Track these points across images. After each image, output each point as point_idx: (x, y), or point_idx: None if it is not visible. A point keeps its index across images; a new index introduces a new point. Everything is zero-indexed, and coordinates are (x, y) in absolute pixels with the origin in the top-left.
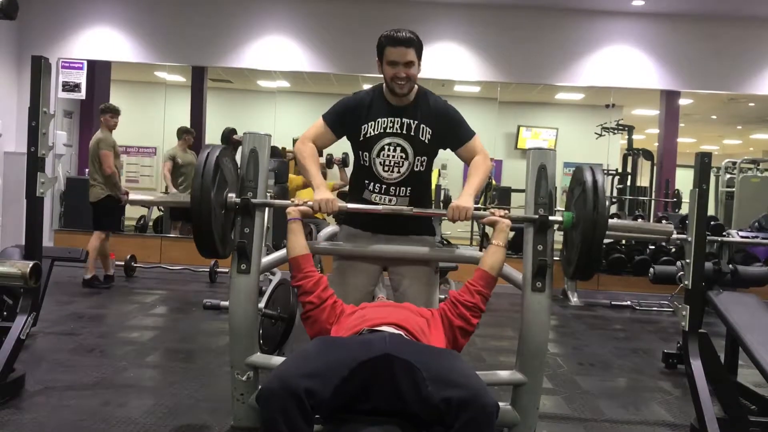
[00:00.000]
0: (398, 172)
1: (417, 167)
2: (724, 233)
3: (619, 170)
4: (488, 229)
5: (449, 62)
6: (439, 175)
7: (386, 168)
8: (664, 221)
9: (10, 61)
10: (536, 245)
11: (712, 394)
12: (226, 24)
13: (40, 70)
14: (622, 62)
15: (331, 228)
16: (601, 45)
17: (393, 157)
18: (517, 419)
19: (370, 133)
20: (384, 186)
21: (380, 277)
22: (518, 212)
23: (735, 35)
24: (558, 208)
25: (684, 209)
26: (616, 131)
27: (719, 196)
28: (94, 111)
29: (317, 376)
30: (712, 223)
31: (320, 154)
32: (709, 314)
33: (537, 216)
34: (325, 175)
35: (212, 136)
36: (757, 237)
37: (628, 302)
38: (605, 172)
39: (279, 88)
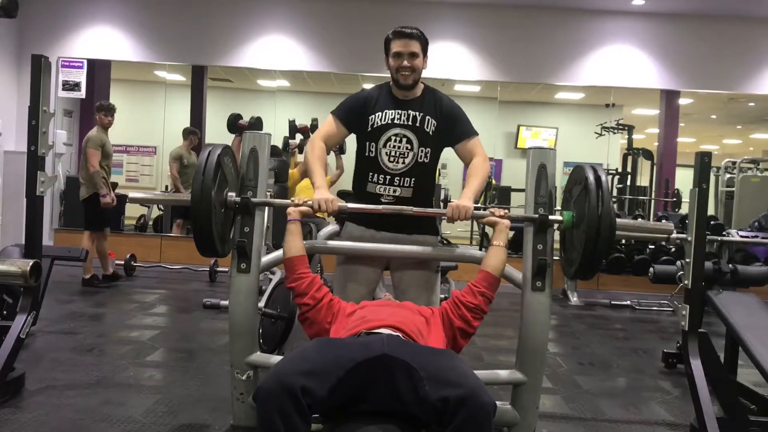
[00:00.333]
0: (403, 162)
1: (421, 158)
2: (723, 233)
3: (619, 170)
4: (488, 229)
5: (449, 61)
6: (439, 174)
7: (391, 158)
8: (663, 221)
9: (10, 59)
10: (536, 245)
11: (712, 393)
12: (226, 23)
13: (40, 68)
14: (622, 62)
15: (331, 227)
16: (601, 44)
17: (399, 147)
18: (517, 419)
19: (378, 123)
20: (389, 176)
21: (382, 276)
22: (518, 212)
23: (735, 35)
24: (557, 207)
25: (684, 209)
26: (616, 131)
27: (719, 196)
28: (94, 110)
29: (314, 375)
30: (711, 222)
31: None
32: (708, 314)
33: (537, 215)
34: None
35: (212, 135)
36: (756, 237)
37: (628, 302)
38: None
39: (279, 87)
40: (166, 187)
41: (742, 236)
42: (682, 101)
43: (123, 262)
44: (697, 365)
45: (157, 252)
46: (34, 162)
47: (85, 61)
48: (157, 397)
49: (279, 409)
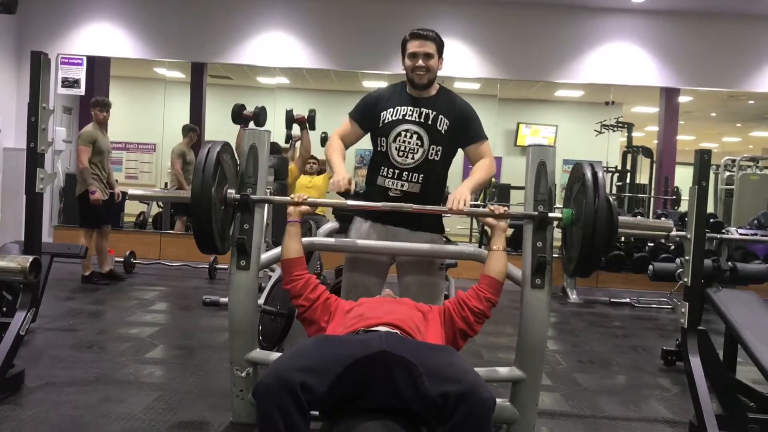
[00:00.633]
0: (412, 158)
1: (431, 155)
2: (723, 230)
3: (619, 167)
4: (488, 227)
5: (449, 59)
6: None
7: (401, 153)
8: (663, 218)
9: (9, 56)
10: (536, 242)
11: (711, 391)
12: (225, 20)
13: (39, 65)
14: (621, 59)
15: (331, 224)
16: (600, 42)
17: (409, 143)
18: (516, 416)
19: (388, 119)
20: (397, 171)
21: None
22: (518, 209)
23: (735, 32)
24: (557, 205)
25: (683, 207)
26: (615, 128)
27: (718, 194)
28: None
29: (313, 371)
30: (711, 220)
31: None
32: (708, 311)
33: (537, 213)
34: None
35: (212, 132)
36: (756, 234)
37: (628, 299)
38: (605, 169)
39: (278, 84)
40: (166, 184)
41: (741, 234)
42: (682, 99)
43: (122, 259)
44: (696, 363)
45: (157, 249)
46: (34, 159)
47: (85, 58)
48: (156, 394)
49: (278, 405)
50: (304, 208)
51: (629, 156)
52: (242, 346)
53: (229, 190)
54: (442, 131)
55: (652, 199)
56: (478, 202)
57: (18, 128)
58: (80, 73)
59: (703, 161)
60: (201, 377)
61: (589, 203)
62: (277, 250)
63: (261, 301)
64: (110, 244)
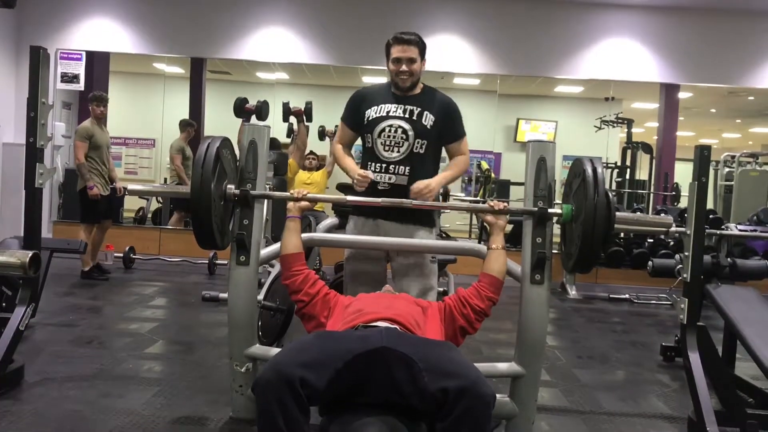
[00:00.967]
0: (398, 151)
1: (417, 149)
2: (722, 227)
3: (618, 163)
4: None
5: (449, 54)
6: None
7: (386, 147)
8: (663, 214)
9: (8, 51)
10: (535, 238)
11: (710, 386)
12: (225, 16)
13: (38, 60)
14: (621, 55)
15: (330, 220)
16: (600, 38)
17: (393, 137)
18: (516, 411)
19: (373, 116)
20: (384, 165)
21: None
22: (517, 205)
23: (735, 28)
24: (557, 200)
25: (683, 203)
26: (615, 124)
27: (718, 190)
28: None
29: (312, 367)
30: (710, 216)
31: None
32: (707, 307)
33: (536, 208)
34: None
35: (211, 127)
36: (755, 230)
37: (627, 295)
38: (605, 165)
39: (278, 80)
40: (165, 179)
41: (740, 230)
42: (682, 95)
43: (122, 255)
44: (695, 358)
45: (156, 244)
46: (33, 154)
47: (84, 53)
48: (156, 389)
49: (278, 400)
50: (303, 203)
51: (629, 152)
52: (242, 341)
53: (228, 186)
54: (428, 126)
55: (651, 195)
56: (478, 198)
57: (17, 123)
58: (79, 68)
59: (702, 157)
60: (200, 372)
61: (589, 199)
62: (276, 246)
63: (260, 296)
64: (110, 239)
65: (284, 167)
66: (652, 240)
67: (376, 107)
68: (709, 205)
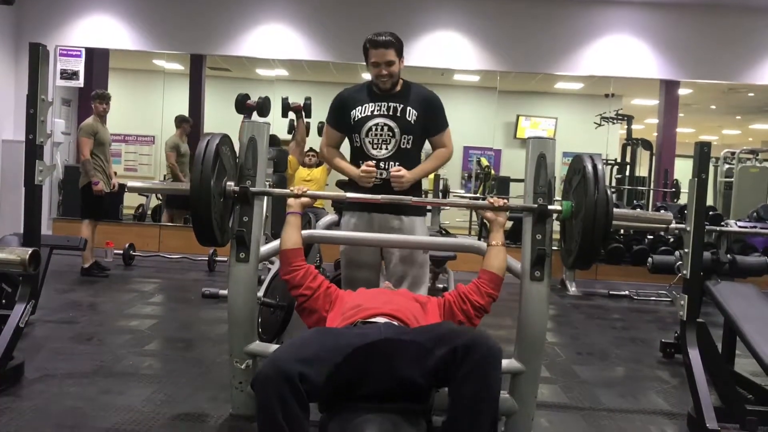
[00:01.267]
0: (386, 148)
1: (404, 145)
2: (722, 223)
3: (618, 160)
4: (487, 222)
5: (449, 51)
6: None
7: (375, 146)
8: (662, 211)
9: (8, 48)
10: (535, 234)
11: (710, 383)
12: (224, 12)
13: (38, 57)
14: (621, 52)
15: (330, 217)
16: (600, 34)
17: (381, 135)
18: (515, 408)
19: (358, 116)
20: (374, 162)
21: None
22: (517, 202)
23: (734, 24)
24: (557, 197)
25: (683, 199)
26: (615, 121)
27: (718, 187)
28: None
29: (312, 362)
30: (710, 213)
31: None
32: (706, 304)
33: (536, 205)
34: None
35: (211, 124)
36: (755, 227)
37: (627, 292)
38: (605, 161)
39: (277, 76)
40: (165, 176)
41: (740, 227)
42: (682, 91)
43: (122, 252)
44: (695, 355)
45: (156, 241)
46: (33, 151)
47: (84, 50)
48: (156, 386)
49: (277, 395)
50: (304, 199)
51: (629, 148)
52: (241, 338)
53: (228, 182)
54: (411, 121)
55: (651, 191)
56: (478, 195)
57: (17, 120)
58: (79, 65)
59: (702, 154)
60: (200, 369)
61: (589, 196)
62: (276, 243)
63: (260, 293)
64: (110, 236)
65: (284, 164)
66: (652, 236)
67: (360, 107)
68: (709, 201)
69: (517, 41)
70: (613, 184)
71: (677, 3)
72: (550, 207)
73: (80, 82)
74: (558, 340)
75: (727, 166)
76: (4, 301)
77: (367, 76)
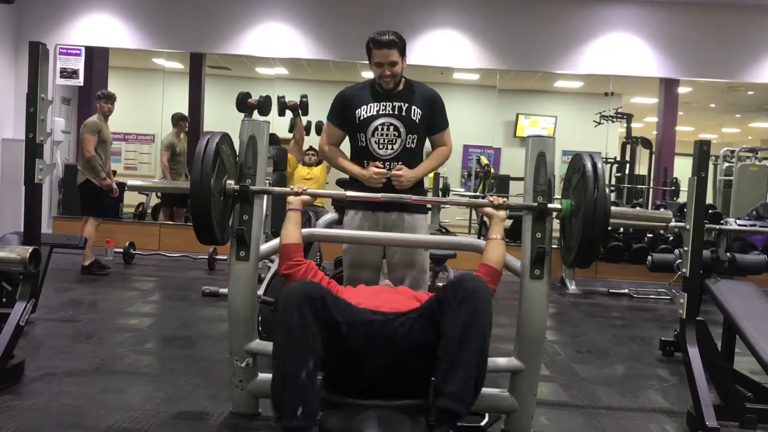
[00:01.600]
0: (392, 148)
1: (409, 144)
2: (722, 221)
3: (618, 158)
4: (486, 217)
5: (448, 50)
6: None
7: (381, 145)
8: (662, 209)
9: (7, 46)
10: (535, 233)
11: (709, 381)
12: (224, 11)
13: (38, 56)
14: (621, 50)
15: (330, 215)
16: (600, 33)
17: (387, 134)
18: (515, 406)
19: (364, 115)
20: (380, 162)
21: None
22: (517, 200)
23: (734, 23)
24: (556, 196)
25: (682, 198)
26: (614, 119)
27: (717, 185)
28: (92, 98)
29: (336, 303)
30: (710, 211)
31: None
32: (706, 302)
33: (536, 204)
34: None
35: (210, 123)
36: (755, 225)
37: (626, 290)
38: (604, 160)
39: (277, 75)
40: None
41: (740, 225)
42: (681, 90)
43: (122, 250)
44: (694, 353)
45: (156, 240)
46: (33, 149)
47: (83, 49)
48: (156, 385)
49: (298, 308)
50: (305, 197)
51: (628, 147)
52: (242, 336)
53: (228, 181)
54: (416, 120)
55: (651, 190)
56: (477, 193)
57: (16, 119)
58: (79, 64)
59: (702, 152)
60: (200, 368)
61: (589, 194)
62: (276, 241)
63: (260, 291)
64: (110, 234)
65: (284, 162)
66: (651, 235)
67: (365, 106)
68: (709, 200)
69: (516, 40)
70: (613, 182)
71: (677, 1)
72: (549, 205)
73: (80, 81)
74: (558, 338)
75: (726, 164)
76: (4, 299)
77: (367, 75)
